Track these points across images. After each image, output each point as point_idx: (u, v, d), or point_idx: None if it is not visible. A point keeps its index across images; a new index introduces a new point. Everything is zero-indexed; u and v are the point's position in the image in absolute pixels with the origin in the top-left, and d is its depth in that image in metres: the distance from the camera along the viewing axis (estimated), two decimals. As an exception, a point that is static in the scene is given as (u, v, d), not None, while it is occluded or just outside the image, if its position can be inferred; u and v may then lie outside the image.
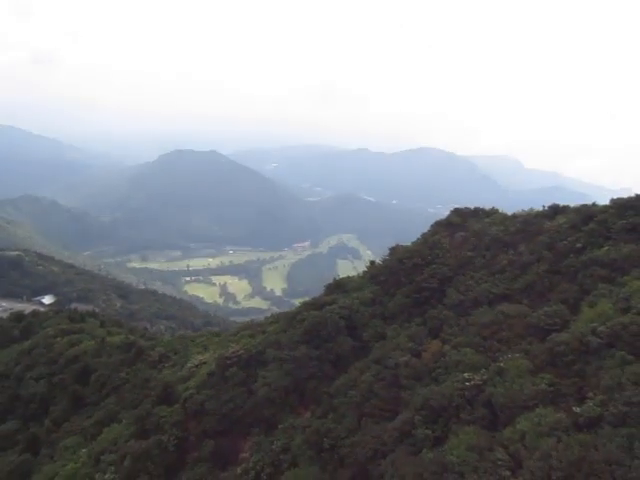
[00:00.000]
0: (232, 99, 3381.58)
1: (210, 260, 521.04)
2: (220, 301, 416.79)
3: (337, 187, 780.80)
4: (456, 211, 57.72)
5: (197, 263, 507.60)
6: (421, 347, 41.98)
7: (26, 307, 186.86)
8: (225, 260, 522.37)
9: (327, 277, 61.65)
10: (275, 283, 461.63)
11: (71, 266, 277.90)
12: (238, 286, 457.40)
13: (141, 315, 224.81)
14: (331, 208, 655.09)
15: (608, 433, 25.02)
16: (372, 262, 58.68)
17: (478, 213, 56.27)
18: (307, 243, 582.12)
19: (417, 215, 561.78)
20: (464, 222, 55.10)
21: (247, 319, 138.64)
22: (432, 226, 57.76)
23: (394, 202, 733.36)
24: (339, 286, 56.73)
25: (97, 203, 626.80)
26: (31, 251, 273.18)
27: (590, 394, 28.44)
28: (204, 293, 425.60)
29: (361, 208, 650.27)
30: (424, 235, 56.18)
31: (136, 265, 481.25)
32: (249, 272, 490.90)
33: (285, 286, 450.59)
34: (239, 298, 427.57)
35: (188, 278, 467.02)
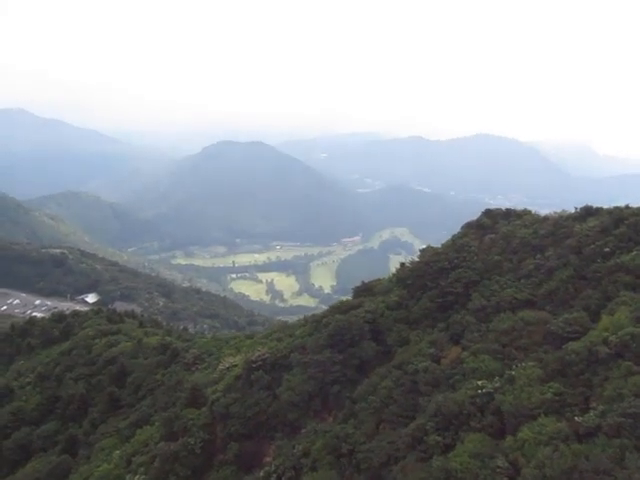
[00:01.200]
0: (277, 91, 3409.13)
1: (256, 256, 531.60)
2: (266, 299, 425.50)
3: (389, 178, 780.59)
4: (487, 212, 59.31)
5: (243, 259, 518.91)
6: (441, 353, 44.14)
7: (70, 306, 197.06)
8: (272, 256, 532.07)
9: (378, 273, 64.53)
10: (324, 280, 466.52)
11: (115, 263, 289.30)
12: (285, 283, 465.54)
13: (184, 314, 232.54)
14: (383, 200, 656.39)
15: (602, 443, 26.78)
16: (402, 264, 60.81)
17: (510, 214, 57.73)
18: (357, 238, 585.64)
19: (476, 207, 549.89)
20: (495, 224, 56.67)
21: (294, 318, 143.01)
22: (462, 227, 59.45)
23: (451, 193, 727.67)
24: (367, 289, 59.30)
25: (140, 198, 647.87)
26: (75, 249, 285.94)
27: (593, 404, 30.14)
28: (250, 290, 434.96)
29: (415, 200, 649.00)
30: (454, 237, 58.01)
31: (181, 261, 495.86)
32: (297, 268, 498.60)
33: (334, 283, 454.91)
34: (286, 296, 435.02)
35: (234, 275, 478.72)
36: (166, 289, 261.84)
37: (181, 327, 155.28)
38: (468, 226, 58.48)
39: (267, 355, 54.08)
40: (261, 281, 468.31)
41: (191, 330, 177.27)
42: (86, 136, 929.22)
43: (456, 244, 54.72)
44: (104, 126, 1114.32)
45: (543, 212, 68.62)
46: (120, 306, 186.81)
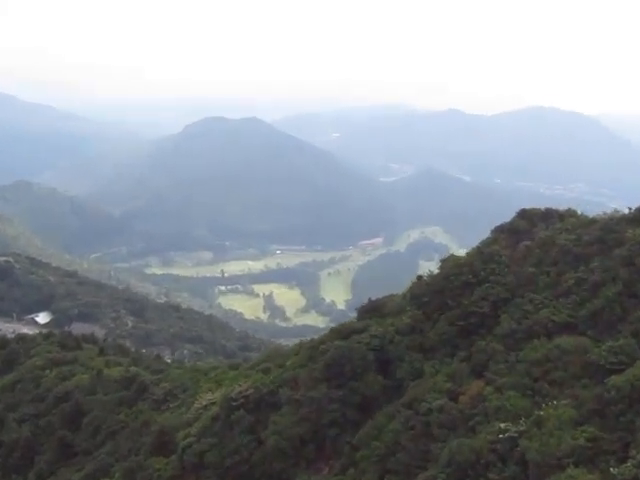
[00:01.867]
0: (274, 53, 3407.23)
1: (251, 263, 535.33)
2: (264, 317, 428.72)
3: (419, 162, 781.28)
4: (522, 213, 60.69)
5: (234, 267, 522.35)
6: (460, 388, 45.54)
7: (16, 328, 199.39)
8: (271, 263, 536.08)
9: (405, 284, 65.87)
10: (336, 293, 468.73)
11: (73, 274, 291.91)
12: (288, 297, 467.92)
13: (159, 337, 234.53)
14: (411, 191, 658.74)
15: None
16: (419, 278, 62.27)
17: (550, 216, 59.10)
18: (379, 239, 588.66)
19: (528, 199, 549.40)
20: (532, 228, 58.07)
21: (299, 340, 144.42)
22: (492, 232, 60.83)
23: (497, 181, 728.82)
24: (374, 309, 60.81)
25: (107, 190, 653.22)
26: (23, 255, 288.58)
27: (633, 452, 31.35)
28: (243, 307, 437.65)
29: (452, 190, 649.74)
30: (481, 243, 59.46)
31: (156, 271, 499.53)
32: (302, 279, 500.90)
33: (349, 297, 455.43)
34: (289, 313, 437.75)
35: (223, 287, 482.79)
36: (137, 306, 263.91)
37: (154, 354, 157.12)
38: (499, 230, 59.94)
39: (250, 391, 55.71)
40: (257, 295, 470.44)
41: (167, 358, 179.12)
42: (40, 113, 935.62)
43: (483, 253, 56.12)
44: (62, 101, 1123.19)
45: (611, 207, 69.64)
46: (78, 328, 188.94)
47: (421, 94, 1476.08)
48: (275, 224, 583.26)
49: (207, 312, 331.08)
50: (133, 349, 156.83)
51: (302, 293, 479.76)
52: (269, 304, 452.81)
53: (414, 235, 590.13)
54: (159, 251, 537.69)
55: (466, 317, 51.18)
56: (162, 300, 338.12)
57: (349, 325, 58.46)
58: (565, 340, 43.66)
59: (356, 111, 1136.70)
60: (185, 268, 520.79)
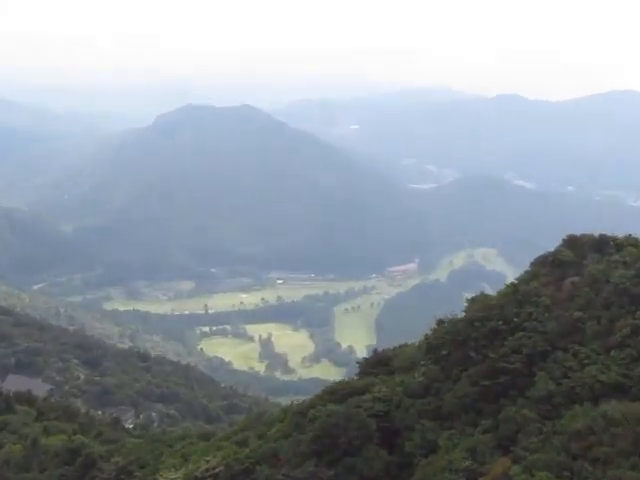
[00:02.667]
0: (273, 20, 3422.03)
1: (244, 296, 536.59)
2: (260, 368, 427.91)
3: (465, 164, 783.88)
4: (570, 241, 62.15)
5: (222, 302, 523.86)
6: (482, 467, 46.85)
7: None
8: (270, 296, 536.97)
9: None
10: (356, 336, 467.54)
11: (8, 311, 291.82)
12: (291, 341, 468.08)
13: (120, 395, 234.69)
14: (455, 202, 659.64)
15: None
16: (440, 322, 63.88)
17: (605, 244, 60.51)
18: (412, 265, 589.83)
19: (614, 213, 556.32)
20: (581, 260, 59.56)
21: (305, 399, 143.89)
22: (532, 264, 62.40)
23: (569, 189, 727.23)
24: (382, 362, 62.45)
25: (56, 201, 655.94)
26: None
27: None
28: (233, 354, 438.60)
29: (509, 201, 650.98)
30: (517, 279, 61.15)
31: (119, 306, 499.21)
32: (311, 317, 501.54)
33: (372, 342, 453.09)
34: (293, 363, 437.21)
35: (206, 328, 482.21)
36: (92, 353, 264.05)
37: (111, 417, 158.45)
38: (540, 262, 61.40)
39: (220, 468, 57.03)
40: (251, 338, 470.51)
41: (130, 422, 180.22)
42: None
43: (519, 292, 57.74)
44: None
45: None
46: (14, 382, 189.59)
47: (465, 75, 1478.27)
48: (276, 245, 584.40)
49: (185, 361, 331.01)
50: (85, 411, 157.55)
51: (310, 336, 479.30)
52: (267, 351, 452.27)
53: (459, 260, 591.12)
54: (123, 280, 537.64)
55: (493, 375, 52.57)
56: (126, 345, 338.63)
57: (347, 384, 59.91)
58: (614, 407, 44.72)
59: (381, 97, 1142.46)
60: (157, 303, 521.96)
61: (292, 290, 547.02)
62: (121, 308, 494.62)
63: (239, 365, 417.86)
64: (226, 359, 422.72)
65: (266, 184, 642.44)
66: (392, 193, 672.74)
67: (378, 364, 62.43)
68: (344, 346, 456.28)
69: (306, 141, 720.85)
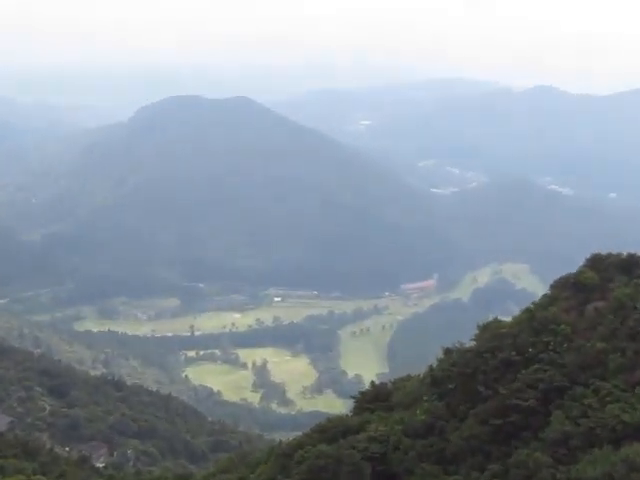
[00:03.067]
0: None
1: (236, 317, 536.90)
2: (254, 399, 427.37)
3: (494, 166, 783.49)
4: (594, 261, 62.87)
5: (211, 322, 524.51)
6: (488, 519, 47.82)
7: None
8: (265, 316, 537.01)
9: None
10: (365, 363, 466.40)
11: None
12: (290, 369, 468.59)
13: (92, 429, 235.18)
14: (481, 209, 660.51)
15: None
16: (447, 351, 64.70)
17: (635, 265, 61.13)
18: (431, 282, 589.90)
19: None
20: (606, 283, 60.15)
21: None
22: (552, 286, 63.11)
23: (612, 196, 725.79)
24: (380, 397, 63.14)
25: (20, 206, 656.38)
26: None
27: None
28: (222, 383, 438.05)
29: (544, 210, 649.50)
30: (534, 304, 61.95)
31: (92, 326, 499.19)
32: (313, 341, 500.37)
33: (384, 370, 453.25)
34: (292, 393, 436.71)
35: (192, 353, 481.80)
36: (60, 381, 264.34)
37: (79, 455, 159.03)
38: (560, 285, 62.06)
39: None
40: (244, 365, 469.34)
41: (101, 461, 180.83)
42: None
43: (536, 318, 58.47)
44: None
45: None
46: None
47: (495, 64, 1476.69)
48: (273, 258, 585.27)
49: (166, 391, 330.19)
50: (49, 447, 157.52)
51: (312, 363, 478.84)
52: (262, 379, 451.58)
53: (484, 276, 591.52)
54: (97, 297, 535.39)
55: (504, 413, 53.25)
56: (99, 372, 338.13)
57: (340, 421, 60.52)
58: (637, 450, 45.11)
59: (397, 89, 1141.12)
60: (136, 323, 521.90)
61: (292, 310, 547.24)
62: (94, 329, 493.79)
63: (229, 395, 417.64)
64: (215, 388, 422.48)
65: (263, 188, 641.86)
66: (408, 199, 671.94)
67: (376, 399, 63.08)
68: (351, 375, 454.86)
69: (310, 138, 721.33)
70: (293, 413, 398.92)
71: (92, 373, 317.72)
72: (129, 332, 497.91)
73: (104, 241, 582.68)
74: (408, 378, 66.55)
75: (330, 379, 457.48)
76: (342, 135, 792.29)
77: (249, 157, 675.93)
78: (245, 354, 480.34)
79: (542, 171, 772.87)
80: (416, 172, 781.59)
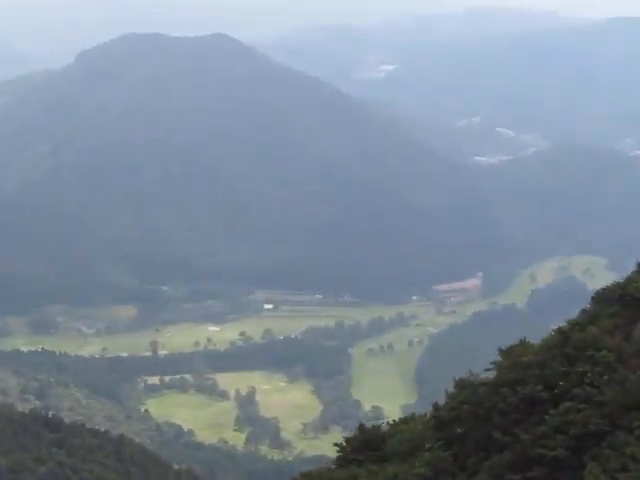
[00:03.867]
0: None
1: (213, 330, 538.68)
2: (239, 440, 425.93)
3: (555, 127, 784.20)
4: (642, 268, 64.25)
5: (180, 338, 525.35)
6: None
7: None
8: (253, 329, 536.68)
9: None
10: (385, 391, 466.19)
11: None
12: (286, 400, 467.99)
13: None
14: (540, 184, 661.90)
15: None
16: (461, 383, 66.38)
17: None
18: (473, 282, 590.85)
19: None
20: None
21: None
22: (593, 300, 64.51)
23: None
24: (371, 444, 64.82)
25: None
26: None
27: None
28: (196, 419, 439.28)
29: (626, 183, 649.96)
30: (569, 322, 63.63)
31: (21, 344, 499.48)
32: (317, 362, 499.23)
33: (412, 399, 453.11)
34: (289, 432, 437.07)
35: (155, 379, 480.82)
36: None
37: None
38: (602, 298, 63.19)
39: None
40: (224, 394, 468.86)
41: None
42: None
43: (570, 342, 60.02)
44: None
45: None
46: None
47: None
48: (263, 252, 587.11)
49: (119, 430, 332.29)
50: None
51: (315, 391, 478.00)
52: (248, 414, 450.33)
53: (545, 274, 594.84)
54: (27, 305, 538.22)
55: (525, 466, 54.27)
56: (30, 405, 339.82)
57: (319, 477, 62.19)
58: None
59: (427, 22, 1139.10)
60: (79, 339, 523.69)
61: (287, 320, 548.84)
62: (24, 347, 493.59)
63: (205, 436, 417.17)
64: (185, 426, 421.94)
65: (247, 158, 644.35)
66: (443, 171, 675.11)
67: (365, 447, 64.30)
68: (367, 407, 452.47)
69: (312, 90, 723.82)
70: (290, 459, 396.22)
71: (20, 407, 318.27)
72: (70, 352, 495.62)
73: (34, 230, 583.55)
74: (410, 419, 68.06)
75: (339, 413, 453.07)
76: (354, 86, 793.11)
77: (228, 117, 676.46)
78: (226, 380, 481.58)
79: (623, 133, 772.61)
80: (453, 135, 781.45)
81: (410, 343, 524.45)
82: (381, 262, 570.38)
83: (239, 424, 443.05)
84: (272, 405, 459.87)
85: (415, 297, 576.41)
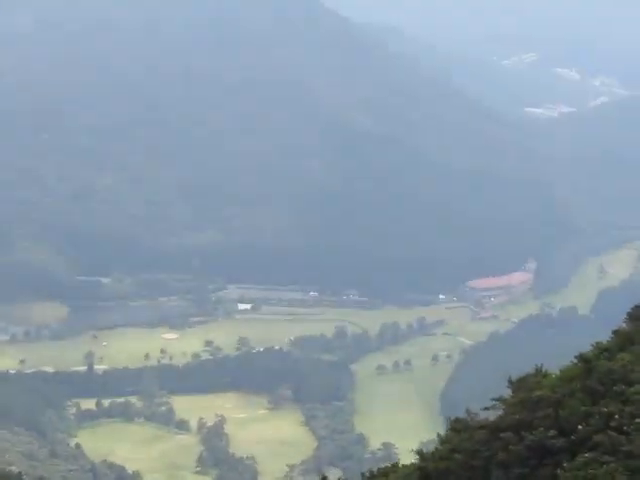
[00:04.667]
0: None
1: (169, 338, 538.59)
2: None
3: (636, 70, 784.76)
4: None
5: (123, 347, 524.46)
6: None
7: None
8: (223, 337, 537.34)
9: None
10: (400, 423, 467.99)
11: None
12: (267, 433, 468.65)
13: None
14: (610, 146, 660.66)
15: None
16: (456, 423, 68.53)
17: None
18: (521, 275, 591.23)
19: None
20: None
21: None
22: (629, 317, 66.55)
23: None
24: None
25: None
26: None
27: None
28: (144, 456, 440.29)
29: None
30: (598, 346, 65.85)
31: None
32: (308, 382, 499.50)
33: (435, 434, 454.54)
34: (270, 476, 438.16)
35: (91, 403, 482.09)
36: None
37: None
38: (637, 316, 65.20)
39: None
40: (184, 424, 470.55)
41: None
42: None
43: (594, 373, 62.01)
44: None
45: None
46: None
47: None
48: (238, 232, 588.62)
49: (40, 472, 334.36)
50: None
51: (307, 422, 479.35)
52: (215, 450, 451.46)
53: (619, 266, 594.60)
54: None
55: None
56: None
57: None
58: None
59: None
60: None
61: (270, 326, 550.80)
62: None
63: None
64: (129, 468, 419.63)
65: (213, 97, 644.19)
66: (482, 125, 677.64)
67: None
68: (375, 444, 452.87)
69: (297, 8, 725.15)
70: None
71: None
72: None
73: None
74: (391, 469, 69.76)
75: (339, 451, 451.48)
76: (360, 8, 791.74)
77: (195, 48, 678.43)
78: (185, 406, 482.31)
79: None
80: (497, 77, 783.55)
81: (435, 359, 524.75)
82: (396, 247, 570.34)
83: (202, 465, 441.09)
84: (248, 440, 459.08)
85: (442, 296, 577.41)
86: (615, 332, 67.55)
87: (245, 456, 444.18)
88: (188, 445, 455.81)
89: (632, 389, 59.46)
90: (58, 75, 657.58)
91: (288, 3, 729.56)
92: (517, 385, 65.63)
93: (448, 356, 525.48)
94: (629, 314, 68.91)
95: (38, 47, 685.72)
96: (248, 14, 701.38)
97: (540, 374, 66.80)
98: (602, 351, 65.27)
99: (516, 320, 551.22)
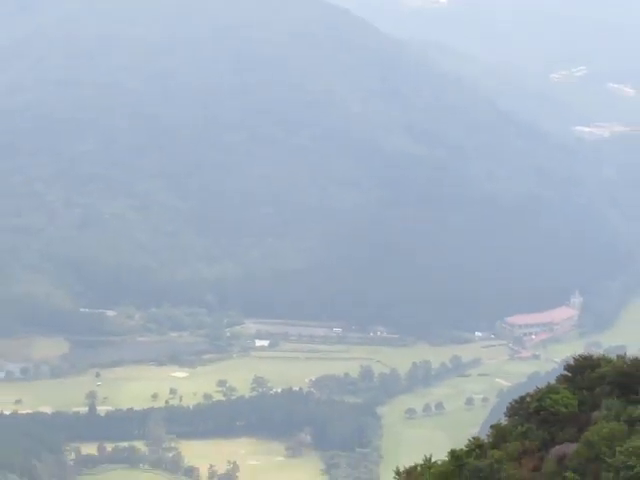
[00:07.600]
0: None
1: (180, 376, 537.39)
2: None
3: None
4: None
5: (129, 388, 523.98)
6: None
7: None
8: (237, 377, 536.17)
9: None
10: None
11: None
12: (282, 479, 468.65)
13: None
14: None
15: None
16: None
17: None
18: (567, 311, 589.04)
19: None
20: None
21: None
22: (507, 412, 67.48)
23: None
24: None
25: None
26: None
27: None
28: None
29: None
30: (469, 444, 66.59)
31: None
32: (330, 428, 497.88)
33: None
34: None
35: (92, 447, 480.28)
36: None
37: None
38: (517, 412, 66.07)
39: None
40: (193, 472, 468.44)
41: None
42: None
43: (463, 470, 62.58)
44: None
45: None
46: None
47: None
48: (254, 264, 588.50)
49: None
50: None
51: (327, 470, 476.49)
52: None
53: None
54: None
55: None
56: None
57: None
58: None
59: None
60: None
61: (289, 364, 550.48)
62: None
63: None
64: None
65: (232, 117, 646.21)
66: (526, 145, 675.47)
67: None
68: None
69: (330, 22, 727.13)
70: None
71: None
72: None
73: None
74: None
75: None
76: (389, 19, 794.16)
77: (212, 68, 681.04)
78: (195, 451, 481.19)
79: None
80: (544, 92, 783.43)
81: (469, 402, 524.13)
82: (429, 280, 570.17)
83: None
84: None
85: (479, 333, 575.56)
86: (493, 427, 68.03)
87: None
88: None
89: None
90: (65, 99, 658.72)
91: (316, 16, 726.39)
92: (405, 477, 65.92)
93: (484, 399, 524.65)
94: (508, 408, 69.58)
95: (46, 70, 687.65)
96: (272, 28, 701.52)
97: (429, 464, 66.94)
98: (475, 447, 65.59)
99: (558, 360, 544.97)
